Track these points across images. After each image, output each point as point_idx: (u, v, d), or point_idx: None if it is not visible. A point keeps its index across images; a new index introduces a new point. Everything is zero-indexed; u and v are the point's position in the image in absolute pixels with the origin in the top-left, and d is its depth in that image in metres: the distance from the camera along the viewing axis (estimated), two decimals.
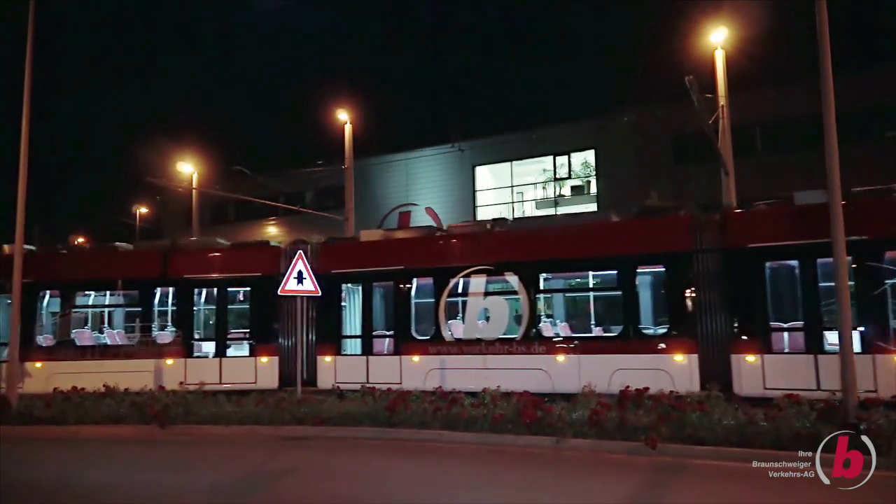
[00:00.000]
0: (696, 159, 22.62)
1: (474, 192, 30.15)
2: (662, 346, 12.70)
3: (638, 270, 13.42)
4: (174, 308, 16.99)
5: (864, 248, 11.19)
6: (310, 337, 15.69)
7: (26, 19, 13.77)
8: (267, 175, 28.88)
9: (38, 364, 16.19)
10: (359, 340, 15.59)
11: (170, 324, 16.98)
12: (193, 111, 58.93)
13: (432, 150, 30.85)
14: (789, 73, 21.96)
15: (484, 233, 15.23)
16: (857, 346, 11.12)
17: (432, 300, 14.77)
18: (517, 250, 14.37)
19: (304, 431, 11.37)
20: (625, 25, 41.53)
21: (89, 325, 17.77)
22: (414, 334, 14.90)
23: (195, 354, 16.22)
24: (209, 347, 16.37)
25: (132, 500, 7.96)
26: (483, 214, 28.83)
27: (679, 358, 12.50)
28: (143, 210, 40.09)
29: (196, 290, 16.76)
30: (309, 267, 13.25)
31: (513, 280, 14.12)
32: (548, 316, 14.69)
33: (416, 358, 14.59)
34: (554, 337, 13.83)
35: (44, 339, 16.82)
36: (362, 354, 15.35)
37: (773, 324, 12.28)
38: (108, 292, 17.45)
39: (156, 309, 16.82)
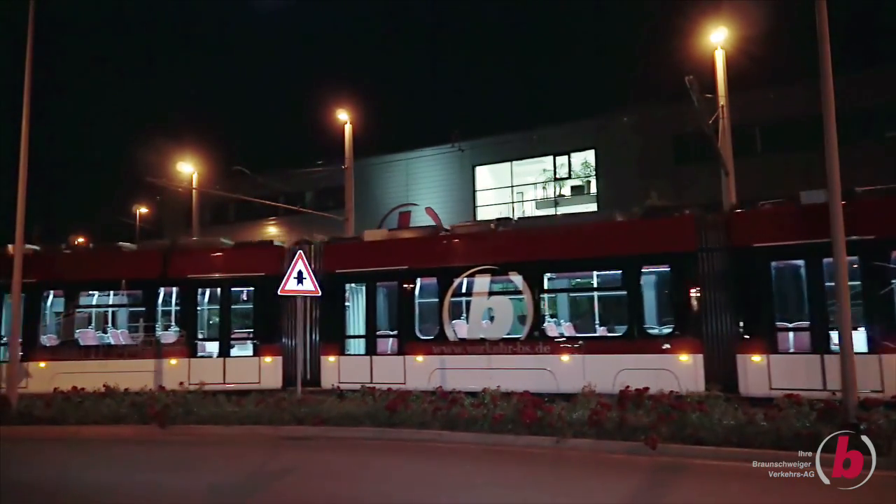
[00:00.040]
0: (696, 159, 22.63)
1: (474, 192, 30.16)
2: (667, 346, 12.69)
3: (643, 270, 13.39)
4: (178, 308, 17.00)
5: (871, 247, 11.20)
6: (313, 337, 15.68)
7: (26, 19, 13.78)
8: (267, 175, 28.86)
9: (43, 364, 16.22)
10: (362, 340, 15.58)
11: (173, 324, 16.99)
12: (193, 111, 58.99)
13: (432, 150, 30.84)
14: (789, 73, 21.96)
15: (488, 233, 15.22)
16: (863, 346, 11.17)
17: (436, 300, 14.75)
18: (521, 250, 14.34)
19: (305, 431, 11.37)
20: (625, 25, 41.53)
21: (93, 325, 17.77)
22: (418, 334, 14.87)
23: (199, 354, 16.22)
24: (213, 347, 16.36)
25: (132, 500, 7.96)
26: (483, 214, 28.83)
27: (684, 358, 12.48)
28: (143, 210, 40.08)
29: (200, 290, 16.74)
30: (310, 267, 13.25)
31: (517, 280, 14.10)
32: (552, 316, 14.67)
33: (419, 358, 14.57)
34: (558, 337, 13.81)
35: (48, 339, 16.84)
36: (366, 354, 15.34)
37: (779, 324, 12.24)
38: (111, 292, 17.47)
39: (159, 309, 16.82)
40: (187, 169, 28.86)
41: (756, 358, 12.03)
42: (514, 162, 29.64)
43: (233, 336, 16.44)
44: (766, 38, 20.16)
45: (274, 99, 62.53)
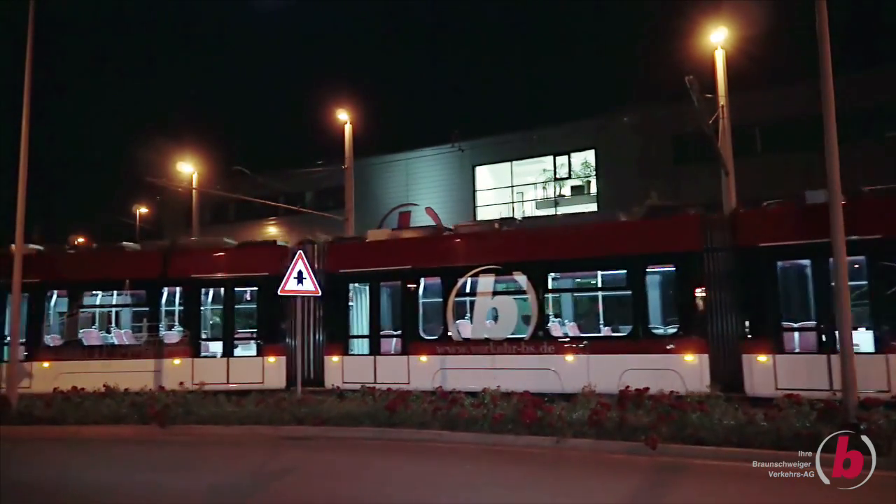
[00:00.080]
0: (696, 159, 22.62)
1: (474, 192, 30.17)
2: (672, 346, 12.67)
3: (647, 270, 13.36)
4: (181, 308, 17.01)
5: (878, 246, 11.18)
6: (317, 337, 15.68)
7: (26, 19, 13.77)
8: (267, 175, 28.86)
9: (46, 364, 16.21)
10: (366, 340, 15.55)
11: (177, 324, 17.00)
12: (193, 111, 58.96)
13: (432, 150, 30.85)
14: (789, 73, 21.97)
15: (492, 232, 15.22)
16: (870, 346, 11.17)
17: (440, 300, 14.73)
18: (525, 250, 14.32)
19: (305, 431, 11.37)
20: (625, 25, 41.57)
21: (97, 324, 17.77)
22: (422, 334, 14.85)
23: (202, 354, 16.20)
24: (216, 347, 16.34)
25: (132, 500, 7.96)
26: (483, 214, 28.85)
27: (689, 358, 12.45)
28: (143, 210, 40.10)
29: (203, 290, 16.71)
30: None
31: (521, 280, 14.07)
32: (556, 316, 14.62)
33: (423, 358, 14.54)
34: (563, 337, 13.79)
35: (51, 339, 16.83)
36: (370, 354, 15.31)
37: (785, 323, 12.21)
38: (115, 292, 17.47)
39: (163, 309, 16.82)
40: (187, 169, 28.85)
41: (762, 358, 11.99)
42: (514, 162, 29.65)
43: (236, 336, 16.42)
44: (766, 38, 20.20)
45: (274, 99, 62.59)
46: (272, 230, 33.63)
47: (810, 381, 11.18)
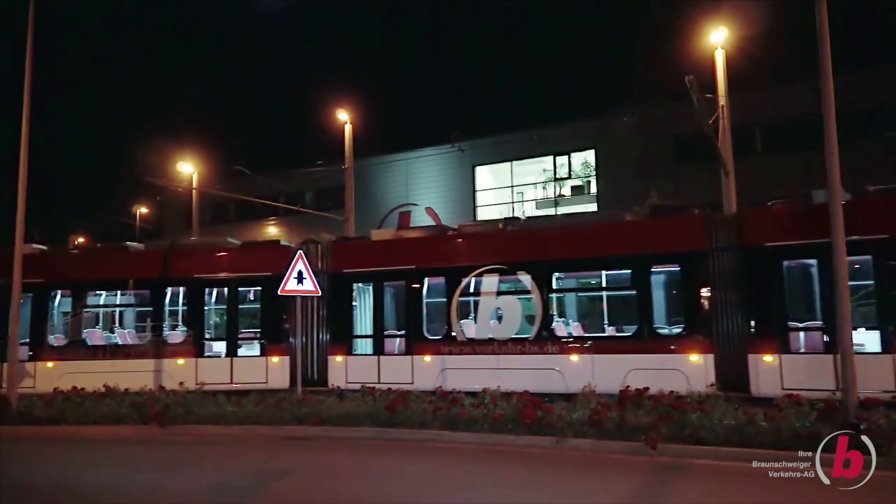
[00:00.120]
0: (696, 159, 22.59)
1: (474, 192, 30.18)
2: (677, 345, 12.65)
3: (652, 270, 13.33)
4: (185, 308, 16.99)
5: (884, 246, 11.16)
6: (321, 336, 15.65)
7: (26, 19, 13.77)
8: (267, 175, 28.89)
9: (51, 364, 16.20)
10: (370, 340, 15.52)
11: (181, 323, 16.99)
12: (193, 111, 58.96)
13: (432, 150, 30.86)
14: (789, 73, 21.98)
15: (496, 232, 15.20)
16: (876, 346, 11.13)
17: (444, 300, 14.70)
18: (530, 250, 14.28)
19: (305, 431, 11.37)
20: (625, 25, 41.57)
21: (100, 324, 17.77)
22: (426, 334, 14.83)
23: (206, 354, 16.19)
24: (220, 347, 16.34)
25: (132, 500, 7.96)
26: (483, 214, 28.86)
27: (694, 358, 12.43)
28: (143, 210, 40.12)
29: (207, 290, 16.72)
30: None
31: (525, 279, 14.04)
32: (561, 315, 14.61)
33: (427, 358, 14.52)
34: (567, 337, 13.77)
35: (55, 339, 16.82)
36: (374, 354, 15.29)
37: (791, 323, 12.15)
38: (118, 292, 17.47)
39: (167, 308, 16.80)
40: (187, 169, 28.86)
41: (768, 358, 11.94)
42: (514, 162, 29.67)
43: (240, 336, 16.41)
44: (766, 38, 20.19)
45: (274, 99, 62.55)
46: (272, 230, 33.64)
47: (817, 382, 11.08)
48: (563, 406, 10.53)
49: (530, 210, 29.08)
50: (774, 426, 8.84)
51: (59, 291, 17.17)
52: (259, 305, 16.68)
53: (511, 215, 27.00)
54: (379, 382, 14.03)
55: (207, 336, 16.59)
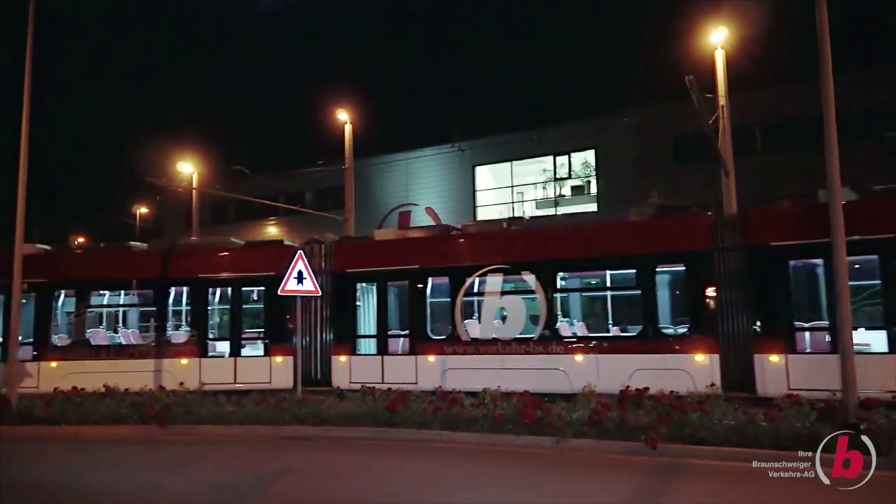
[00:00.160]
0: (696, 159, 22.59)
1: (474, 192, 30.17)
2: (683, 346, 12.61)
3: (657, 269, 13.27)
4: (188, 308, 16.97)
5: (890, 245, 11.12)
6: (324, 336, 15.63)
7: (26, 19, 13.77)
8: (267, 175, 28.90)
9: (54, 363, 16.20)
10: (374, 340, 15.50)
11: (184, 323, 17.00)
12: (193, 111, 58.98)
13: (432, 150, 30.85)
14: (789, 73, 21.97)
15: (500, 232, 15.18)
16: (883, 346, 11.06)
17: (448, 300, 14.66)
18: (534, 249, 14.22)
19: (305, 431, 11.37)
20: (625, 25, 41.61)
21: (104, 324, 17.77)
22: (429, 334, 14.78)
23: (210, 354, 16.17)
24: (224, 347, 16.32)
25: (132, 500, 7.96)
26: (483, 214, 28.86)
27: (700, 358, 12.39)
28: (143, 210, 40.12)
29: (210, 290, 16.67)
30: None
31: (530, 279, 13.99)
32: (565, 315, 14.57)
33: (431, 358, 14.49)
34: (572, 337, 13.73)
35: (59, 339, 16.81)
36: (377, 354, 15.27)
37: (797, 323, 12.10)
38: (122, 292, 17.48)
39: (170, 308, 16.79)
40: (187, 169, 28.88)
41: (774, 358, 11.88)
42: (514, 162, 29.65)
43: (244, 336, 16.39)
44: (766, 38, 20.19)
45: (274, 99, 62.61)
46: (272, 230, 33.64)
47: (823, 382, 10.90)
48: (563, 406, 10.53)
49: (530, 210, 29.07)
50: (774, 426, 8.84)
51: (63, 291, 17.14)
52: (263, 305, 16.67)
53: (511, 215, 27.02)
54: (382, 382, 14.01)
55: (211, 336, 16.58)
